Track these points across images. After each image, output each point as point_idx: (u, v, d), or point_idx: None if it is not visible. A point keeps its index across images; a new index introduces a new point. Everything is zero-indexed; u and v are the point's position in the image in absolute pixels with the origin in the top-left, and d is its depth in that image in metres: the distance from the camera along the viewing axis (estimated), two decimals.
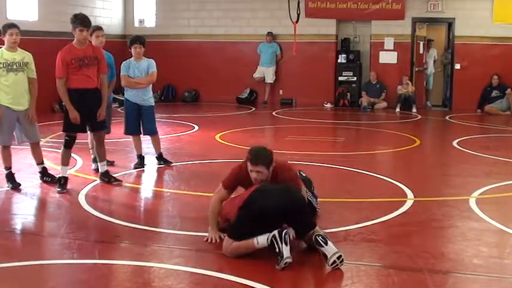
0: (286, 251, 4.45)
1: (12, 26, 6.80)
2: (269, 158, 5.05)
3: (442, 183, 7.77)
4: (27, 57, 6.89)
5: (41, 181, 7.13)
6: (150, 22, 17.62)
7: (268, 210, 4.67)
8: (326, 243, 4.53)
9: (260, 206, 4.70)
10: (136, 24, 17.57)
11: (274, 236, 4.52)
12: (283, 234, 4.51)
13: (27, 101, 6.89)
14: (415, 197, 6.66)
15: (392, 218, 5.88)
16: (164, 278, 4.45)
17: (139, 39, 8.03)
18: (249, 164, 5.06)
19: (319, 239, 4.56)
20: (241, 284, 4.24)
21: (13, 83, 6.74)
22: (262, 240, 4.60)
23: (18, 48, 6.84)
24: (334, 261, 4.48)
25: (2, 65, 6.66)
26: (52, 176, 7.11)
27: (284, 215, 4.73)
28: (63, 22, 11.94)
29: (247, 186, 5.13)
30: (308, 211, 5.07)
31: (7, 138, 6.88)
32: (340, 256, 4.50)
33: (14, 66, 6.74)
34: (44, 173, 7.15)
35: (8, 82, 6.71)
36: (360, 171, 8.04)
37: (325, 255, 4.53)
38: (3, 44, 6.85)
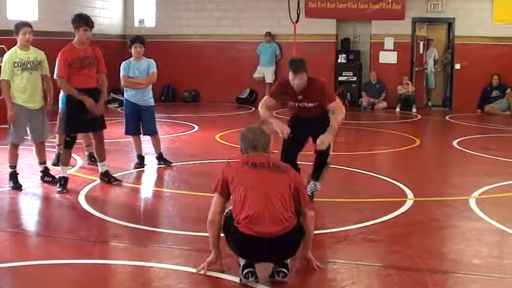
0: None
1: (25, 24, 6.79)
2: (305, 65, 5.99)
3: (442, 183, 7.78)
4: (40, 55, 6.90)
5: (41, 181, 7.13)
6: (150, 22, 17.61)
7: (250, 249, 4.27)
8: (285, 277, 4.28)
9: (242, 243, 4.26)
10: (137, 24, 17.55)
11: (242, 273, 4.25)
12: (244, 273, 4.23)
13: (40, 99, 6.92)
14: (415, 197, 6.65)
15: (393, 218, 5.88)
16: (164, 278, 4.45)
17: (139, 39, 8.07)
18: (291, 74, 5.95)
19: (281, 274, 4.27)
20: (241, 284, 4.24)
21: (28, 82, 6.76)
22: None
23: (31, 46, 6.84)
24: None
25: (16, 65, 6.67)
26: (53, 176, 7.10)
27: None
28: (63, 22, 11.92)
29: (290, 95, 6.12)
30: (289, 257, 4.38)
31: (20, 136, 6.91)
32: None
33: (29, 66, 6.75)
34: (46, 173, 7.15)
35: (23, 81, 6.72)
36: (360, 171, 8.04)
37: (272, 275, 4.31)
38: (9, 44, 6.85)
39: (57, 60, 6.77)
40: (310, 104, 6.13)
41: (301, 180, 4.58)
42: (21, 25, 6.78)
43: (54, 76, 6.99)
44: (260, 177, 4.34)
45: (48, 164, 7.37)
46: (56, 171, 7.19)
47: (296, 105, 6.19)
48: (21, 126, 6.84)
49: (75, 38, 6.78)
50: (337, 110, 6.20)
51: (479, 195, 6.74)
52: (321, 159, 6.28)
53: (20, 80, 6.71)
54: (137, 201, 6.92)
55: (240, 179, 4.34)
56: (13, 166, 6.91)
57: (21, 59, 6.70)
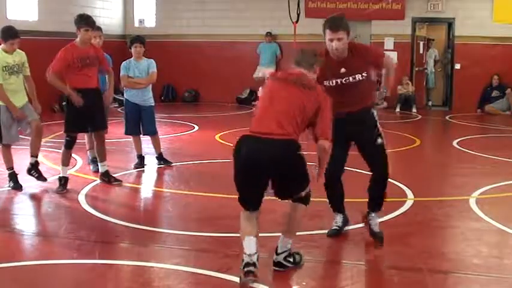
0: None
1: (14, 36, 6.69)
2: (346, 23, 4.91)
3: (442, 183, 7.78)
4: (23, 57, 6.90)
5: (27, 174, 6.91)
6: (150, 22, 17.63)
7: (255, 159, 4.12)
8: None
9: (248, 150, 4.16)
10: (137, 24, 17.57)
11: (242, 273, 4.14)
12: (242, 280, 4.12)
13: (25, 95, 6.92)
14: (415, 197, 6.66)
15: (393, 218, 5.88)
16: (164, 278, 4.45)
17: (139, 39, 8.08)
18: (327, 34, 4.95)
19: (290, 260, 4.38)
20: (241, 284, 4.23)
21: (16, 85, 6.77)
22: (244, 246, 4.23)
23: None
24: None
25: (5, 69, 6.67)
26: (40, 173, 6.93)
27: (270, 169, 4.16)
28: (63, 22, 11.95)
29: (330, 71, 4.99)
30: (302, 173, 4.29)
31: (12, 136, 6.86)
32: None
33: (15, 69, 6.76)
34: (33, 167, 6.92)
35: (12, 85, 6.73)
36: (360, 171, 8.01)
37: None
38: None
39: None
40: (358, 77, 4.98)
41: (329, 102, 4.35)
42: (12, 37, 6.67)
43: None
44: (273, 89, 4.36)
45: (47, 163, 7.34)
46: (55, 171, 7.18)
47: (338, 82, 5.00)
48: (11, 126, 6.79)
49: (78, 38, 6.80)
50: (388, 66, 5.31)
51: (479, 195, 6.74)
52: (380, 179, 5.24)
53: (10, 83, 6.70)
54: (137, 201, 6.93)
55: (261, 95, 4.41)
56: (10, 167, 6.88)
57: (8, 63, 6.70)
